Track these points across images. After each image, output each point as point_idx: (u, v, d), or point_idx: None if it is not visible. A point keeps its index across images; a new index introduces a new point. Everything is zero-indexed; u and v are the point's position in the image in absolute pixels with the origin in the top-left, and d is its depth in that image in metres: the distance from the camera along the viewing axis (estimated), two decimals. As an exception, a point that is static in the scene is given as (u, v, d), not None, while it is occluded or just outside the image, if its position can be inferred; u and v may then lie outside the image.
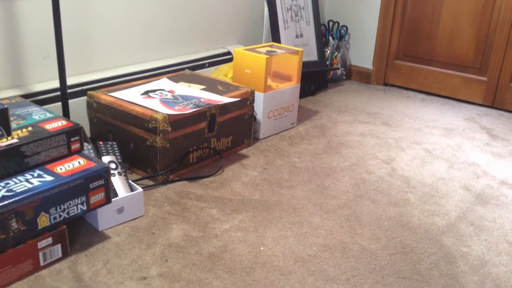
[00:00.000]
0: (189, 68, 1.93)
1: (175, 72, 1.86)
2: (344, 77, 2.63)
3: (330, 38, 2.52)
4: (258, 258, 1.14)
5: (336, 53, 2.51)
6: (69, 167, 1.10)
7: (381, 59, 2.54)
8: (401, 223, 1.31)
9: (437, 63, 2.41)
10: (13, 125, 1.12)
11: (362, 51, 2.58)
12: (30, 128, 1.12)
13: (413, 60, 2.49)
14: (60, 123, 1.16)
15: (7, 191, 0.99)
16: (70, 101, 1.52)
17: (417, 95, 2.44)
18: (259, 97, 1.75)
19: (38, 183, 1.03)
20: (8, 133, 1.07)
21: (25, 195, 0.99)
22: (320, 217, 1.32)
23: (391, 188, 1.50)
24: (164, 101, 1.50)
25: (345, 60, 2.58)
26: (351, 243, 1.21)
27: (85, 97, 1.58)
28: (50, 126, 1.14)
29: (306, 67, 2.28)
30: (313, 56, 2.36)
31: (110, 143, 1.37)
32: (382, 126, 2.00)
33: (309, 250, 1.18)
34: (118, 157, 1.34)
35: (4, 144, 1.04)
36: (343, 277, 1.09)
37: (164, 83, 1.68)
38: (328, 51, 2.48)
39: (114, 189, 1.25)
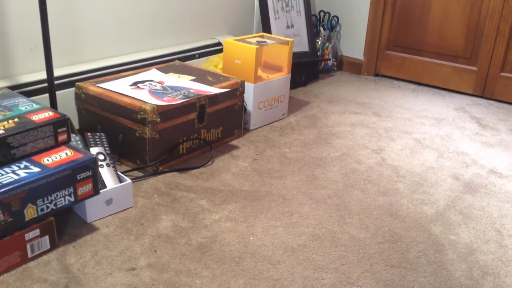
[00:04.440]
0: (179, 59, 1.92)
1: (165, 63, 1.85)
2: (335, 68, 2.63)
3: (321, 28, 2.52)
4: (248, 248, 1.14)
5: (327, 43, 2.50)
6: (56, 158, 1.10)
7: (372, 49, 2.54)
8: (390, 212, 1.32)
9: (427, 53, 2.42)
10: (-1, 116, 1.11)
11: (353, 42, 2.58)
12: (16, 119, 1.11)
13: (403, 51, 2.49)
14: (47, 114, 1.15)
15: (-7, 182, 0.98)
16: (58, 92, 1.51)
17: (407, 85, 2.45)
18: (249, 87, 1.74)
19: (25, 175, 1.02)
20: (-6, 124, 1.06)
21: (11, 186, 0.98)
22: (309, 206, 1.33)
23: (381, 178, 1.50)
24: (153, 92, 1.49)
25: (336, 51, 2.57)
26: (340, 232, 1.22)
27: (73, 89, 1.56)
28: (37, 117, 1.13)
29: (297, 57, 2.27)
30: (304, 46, 2.36)
31: (98, 134, 1.36)
32: (372, 116, 2.01)
33: (298, 239, 1.18)
34: (107, 148, 1.33)
35: (-10, 135, 1.03)
36: (332, 266, 1.09)
37: (153, 74, 1.67)
38: (319, 42, 2.47)
39: (103, 181, 1.24)
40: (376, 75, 2.58)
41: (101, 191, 1.18)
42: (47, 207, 1.05)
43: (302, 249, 1.15)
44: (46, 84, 1.49)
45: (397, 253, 1.15)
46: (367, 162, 1.60)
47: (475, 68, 2.29)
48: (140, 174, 1.45)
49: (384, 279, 1.06)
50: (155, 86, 1.55)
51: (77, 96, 1.55)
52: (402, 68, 2.49)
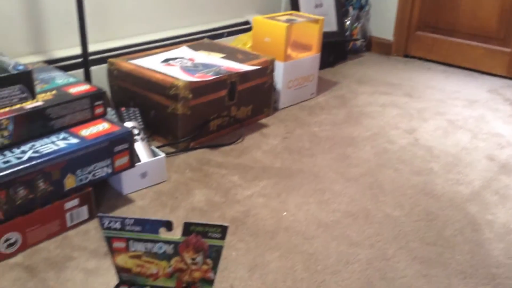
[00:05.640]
0: (207, 37, 1.91)
1: (194, 41, 1.84)
2: (364, 49, 2.59)
3: (350, 8, 2.47)
4: (281, 223, 1.14)
5: (356, 23, 2.46)
6: (93, 130, 1.11)
7: (402, 30, 2.49)
8: (424, 191, 1.30)
9: (459, 34, 2.36)
10: (37, 88, 1.13)
11: (383, 22, 2.53)
12: (54, 92, 1.13)
13: (434, 31, 2.43)
14: (84, 87, 1.16)
15: (33, 152, 1.00)
16: (90, 68, 1.52)
17: (438, 67, 2.40)
18: (279, 66, 1.73)
19: (64, 145, 1.03)
20: (33, 95, 1.08)
21: (51, 156, 0.99)
22: (342, 184, 1.32)
23: (414, 158, 1.48)
24: (185, 69, 1.49)
25: (365, 31, 2.53)
26: (374, 210, 1.21)
27: (105, 65, 1.57)
28: (74, 90, 1.14)
29: (325, 37, 2.24)
30: (332, 26, 2.32)
31: (132, 109, 1.37)
32: (403, 97, 1.97)
33: (332, 216, 1.18)
34: (140, 123, 1.34)
35: (30, 106, 1.04)
36: (366, 242, 1.09)
37: (183, 51, 1.67)
38: (348, 22, 2.43)
39: (137, 155, 1.25)
40: (406, 56, 2.53)
41: (136, 164, 1.19)
42: (86, 178, 1.06)
43: (336, 225, 1.14)
44: (79, 60, 1.50)
45: (433, 231, 1.13)
46: (399, 142, 1.58)
47: (508, 50, 2.23)
48: (172, 150, 1.45)
49: (421, 256, 1.05)
50: (186, 63, 1.55)
51: (110, 73, 1.56)
52: (433, 49, 2.44)
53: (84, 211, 1.09)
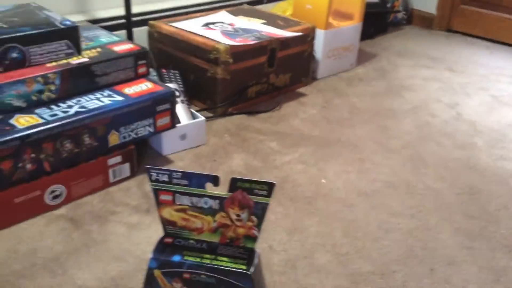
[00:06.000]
0: (247, 3, 1.88)
1: (233, 6, 1.82)
2: (405, 22, 2.51)
3: (393, -21, 2.39)
4: (320, 190, 1.13)
5: (398, -5, 2.38)
6: (136, 89, 1.11)
7: (446, 3, 2.39)
8: (467, 165, 1.26)
9: (506, 8, 2.25)
10: (82, 45, 1.13)
11: (426, -6, 2.44)
12: (99, 49, 1.13)
13: (480, 5, 2.33)
14: (128, 46, 1.16)
15: (80, 107, 1.01)
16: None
17: (481, 42, 2.31)
18: (319, 34, 1.69)
19: (109, 102, 1.04)
20: (79, 51, 1.08)
21: (97, 111, 1.00)
22: (382, 155, 1.29)
23: (457, 132, 1.44)
24: (225, 33, 1.47)
25: (407, 3, 2.45)
26: (415, 181, 1.18)
27: (145, 27, 1.57)
28: (118, 48, 1.14)
29: (366, 8, 2.17)
30: (373, -3, 2.25)
31: (172, 71, 1.37)
32: (445, 71, 1.91)
33: (372, 185, 1.16)
34: (181, 85, 1.34)
35: (76, 62, 1.05)
36: (407, 212, 1.07)
37: (223, 16, 1.65)
38: (390, -7, 2.35)
39: (177, 116, 1.25)
40: (448, 30, 2.45)
41: (176, 125, 1.20)
42: (129, 135, 1.07)
43: (376, 195, 1.13)
44: (120, 21, 1.50)
45: (476, 205, 1.10)
46: (441, 115, 1.54)
47: (559, 26, 2.13)
48: (209, 114, 1.45)
49: (464, 228, 1.03)
50: (227, 27, 1.53)
51: (150, 35, 1.56)
52: (477, 24, 2.35)
53: (126, 168, 1.10)
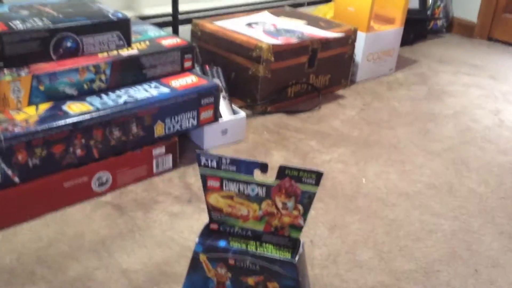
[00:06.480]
0: (288, 5, 1.90)
1: (274, 8, 1.84)
2: (445, 29, 2.48)
3: (434, -15, 2.37)
4: (360, 189, 1.13)
5: (439, 2, 2.35)
6: (182, 82, 1.13)
7: (488, 11, 2.36)
8: (511, 171, 1.24)
9: (552, 17, 2.20)
10: (132, 38, 1.16)
11: (467, 2, 2.41)
12: (147, 43, 1.16)
13: (524, 14, 2.28)
14: (175, 41, 1.19)
15: (128, 97, 1.04)
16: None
17: (525, 52, 2.26)
18: (360, 37, 1.69)
19: (156, 93, 1.06)
20: (129, 43, 1.11)
21: (145, 102, 1.03)
22: (423, 157, 1.28)
23: (500, 138, 1.41)
24: (268, 32, 1.49)
25: (448, 11, 2.42)
26: (458, 184, 1.16)
27: (189, 26, 1.60)
28: (166, 42, 1.17)
29: (407, 14, 2.16)
30: (414, 3, 2.24)
31: (215, 68, 1.39)
32: (487, 78, 1.88)
33: (413, 186, 1.15)
34: (223, 82, 1.36)
35: (126, 53, 1.08)
36: (450, 214, 1.05)
37: (265, 16, 1.67)
38: (431, 0, 2.33)
39: (219, 111, 1.27)
40: (490, 39, 2.40)
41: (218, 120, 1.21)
42: (173, 127, 1.09)
43: (418, 196, 1.11)
44: (165, 19, 1.53)
45: (522, 210, 1.08)
46: (484, 121, 1.51)
47: None
48: (248, 112, 1.46)
49: (509, 231, 1.00)
50: (269, 27, 1.55)
51: (193, 33, 1.58)
52: (521, 32, 2.30)
53: (169, 159, 1.12)
